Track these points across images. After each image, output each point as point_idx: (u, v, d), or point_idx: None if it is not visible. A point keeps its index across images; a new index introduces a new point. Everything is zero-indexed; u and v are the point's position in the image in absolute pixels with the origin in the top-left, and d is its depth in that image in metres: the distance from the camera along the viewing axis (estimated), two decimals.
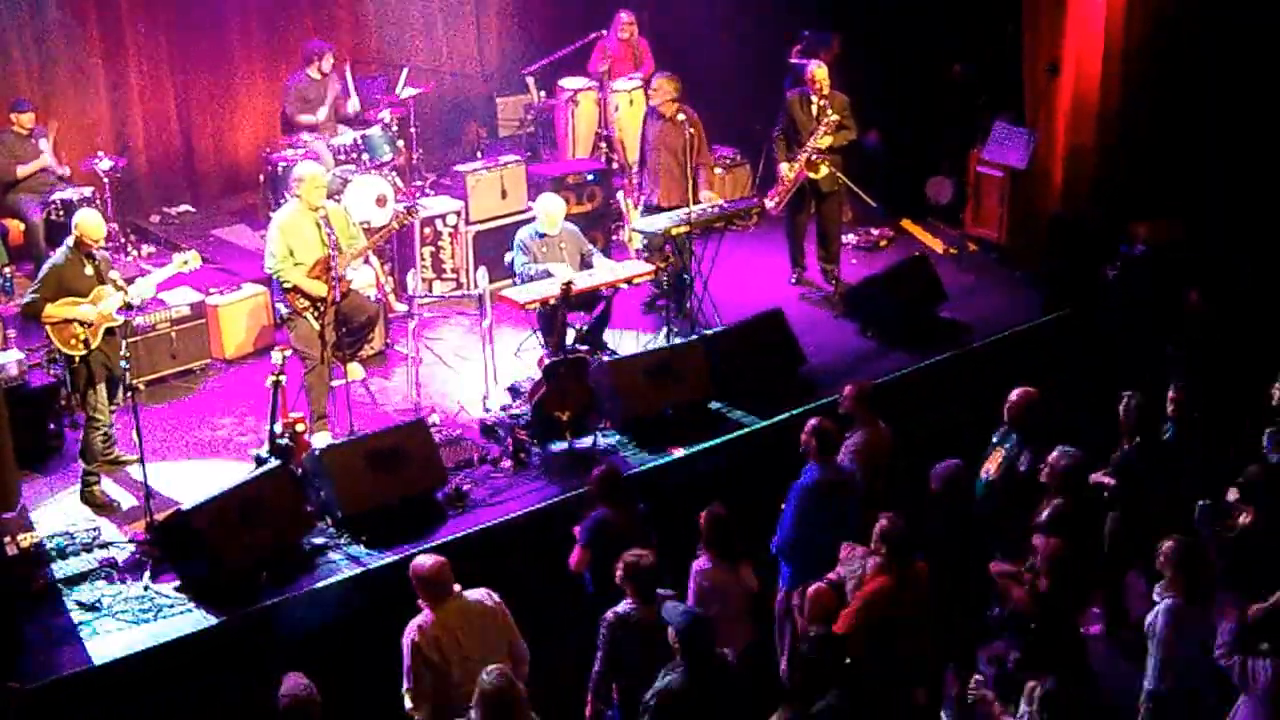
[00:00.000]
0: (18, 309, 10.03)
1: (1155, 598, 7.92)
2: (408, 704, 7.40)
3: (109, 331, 9.71)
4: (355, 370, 11.13)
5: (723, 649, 7.67)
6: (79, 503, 9.78)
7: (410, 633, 7.34)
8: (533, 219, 11.59)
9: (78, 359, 9.64)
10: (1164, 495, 9.18)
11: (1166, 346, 11.04)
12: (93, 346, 9.63)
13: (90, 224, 9.73)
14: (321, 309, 10.22)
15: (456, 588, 7.45)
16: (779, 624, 8.94)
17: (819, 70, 12.51)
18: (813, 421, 8.87)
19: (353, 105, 13.98)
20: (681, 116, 12.04)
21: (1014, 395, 9.29)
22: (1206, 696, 7.74)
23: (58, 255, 9.77)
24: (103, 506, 9.82)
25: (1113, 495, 9.37)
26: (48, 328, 9.59)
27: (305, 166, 10.66)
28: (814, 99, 12.51)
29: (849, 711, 6.97)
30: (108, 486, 9.93)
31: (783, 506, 8.76)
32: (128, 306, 9.77)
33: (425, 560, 7.46)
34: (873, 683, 7.28)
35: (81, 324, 9.57)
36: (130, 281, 9.96)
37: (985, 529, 9.02)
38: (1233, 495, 8.98)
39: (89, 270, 9.70)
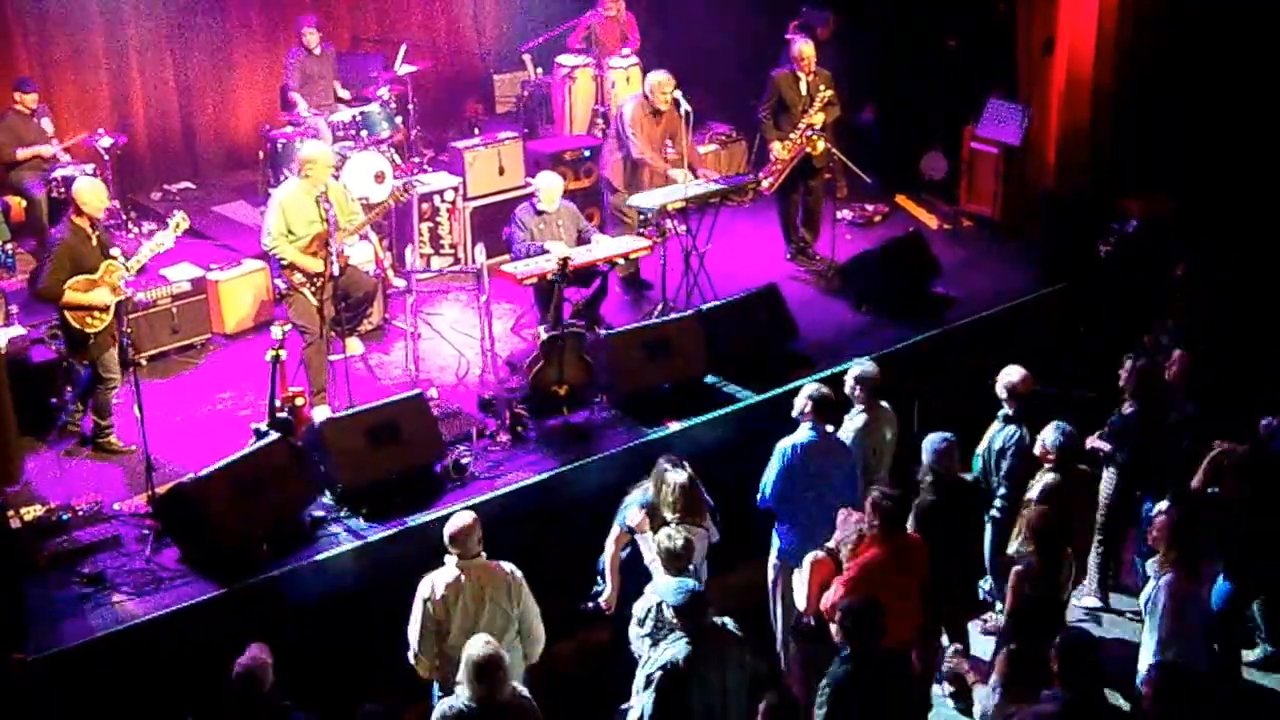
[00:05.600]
0: (36, 293, 10.04)
1: (1150, 573, 7.99)
2: (410, 654, 7.57)
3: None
4: (354, 345, 11.20)
5: None
6: (81, 474, 9.87)
7: (423, 586, 7.51)
8: (531, 196, 11.66)
9: (92, 336, 9.79)
10: (1161, 462, 9.28)
11: (1154, 329, 11.08)
12: (106, 323, 9.79)
13: (90, 193, 9.79)
14: (319, 285, 10.30)
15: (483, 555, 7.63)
16: (772, 593, 9.06)
17: (806, 47, 12.54)
18: (813, 386, 8.93)
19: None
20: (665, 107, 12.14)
21: (1015, 378, 9.34)
22: (1202, 668, 7.82)
23: (63, 231, 9.81)
24: (118, 452, 10.01)
25: (1108, 461, 9.46)
26: (64, 311, 9.73)
27: (314, 147, 10.70)
28: (802, 76, 12.56)
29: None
30: (111, 466, 10.04)
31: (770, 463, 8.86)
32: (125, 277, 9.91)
33: (460, 515, 7.69)
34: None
35: (99, 310, 9.73)
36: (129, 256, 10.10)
37: (978, 502, 9.13)
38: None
39: (94, 242, 9.81)
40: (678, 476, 8.26)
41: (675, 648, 7.13)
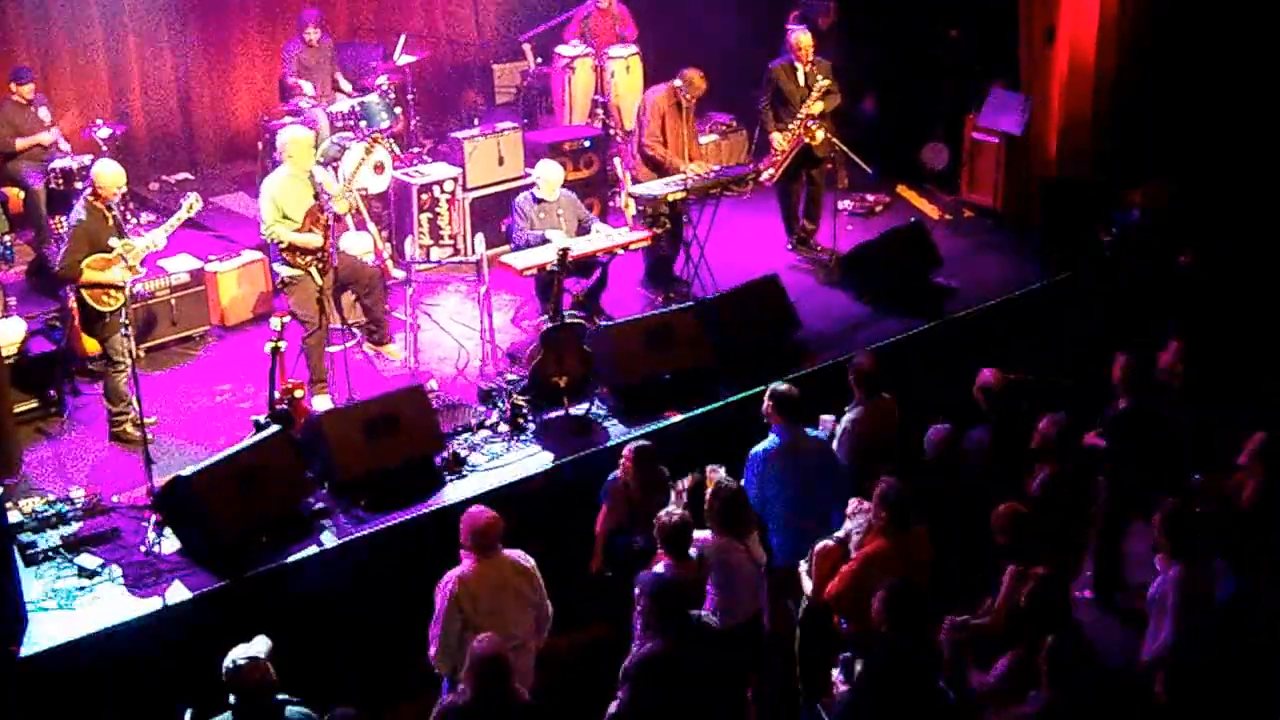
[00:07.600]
0: (56, 274, 10.12)
1: (1158, 567, 7.93)
2: (432, 653, 7.49)
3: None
4: (394, 351, 11.17)
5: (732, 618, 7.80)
6: (80, 465, 9.85)
7: (449, 582, 7.42)
8: (531, 185, 11.64)
9: (108, 315, 9.79)
10: (1156, 457, 9.23)
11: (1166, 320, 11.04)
12: (122, 302, 9.76)
13: (108, 174, 9.86)
14: (324, 260, 10.28)
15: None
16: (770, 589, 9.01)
17: (803, 37, 12.53)
18: (773, 387, 8.86)
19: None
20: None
21: (984, 377, 9.27)
22: (1211, 659, 7.77)
23: (80, 212, 9.85)
24: (134, 442, 9.88)
25: (1104, 457, 9.41)
26: (81, 290, 9.75)
27: (289, 132, 10.71)
28: (799, 66, 12.53)
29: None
30: (110, 457, 10.01)
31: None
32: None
33: (481, 512, 7.56)
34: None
35: (115, 287, 9.73)
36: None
37: (980, 494, 9.07)
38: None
39: (110, 222, 9.86)
40: (725, 482, 8.25)
41: (650, 642, 7.09)
